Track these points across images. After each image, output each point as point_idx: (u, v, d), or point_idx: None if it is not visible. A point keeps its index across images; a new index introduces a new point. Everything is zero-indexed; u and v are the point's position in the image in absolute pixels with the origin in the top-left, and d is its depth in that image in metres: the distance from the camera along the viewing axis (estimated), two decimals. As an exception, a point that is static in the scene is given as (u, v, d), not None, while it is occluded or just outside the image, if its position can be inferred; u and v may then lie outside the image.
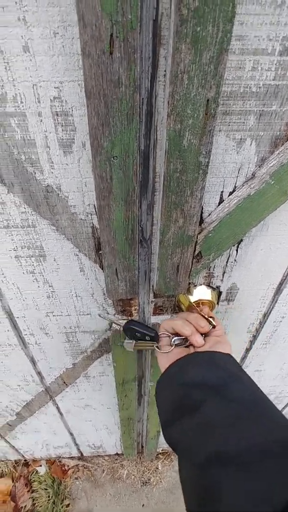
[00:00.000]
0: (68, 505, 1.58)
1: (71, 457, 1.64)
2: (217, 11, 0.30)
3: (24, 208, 0.48)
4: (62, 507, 1.56)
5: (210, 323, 0.54)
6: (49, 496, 1.56)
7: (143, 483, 1.68)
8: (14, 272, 0.58)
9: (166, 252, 0.52)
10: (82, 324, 0.71)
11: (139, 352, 0.82)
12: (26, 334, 0.73)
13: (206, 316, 0.55)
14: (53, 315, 0.68)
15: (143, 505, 1.63)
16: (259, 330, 0.81)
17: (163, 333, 0.56)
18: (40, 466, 1.65)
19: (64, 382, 0.93)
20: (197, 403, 0.41)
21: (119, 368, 0.80)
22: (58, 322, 0.70)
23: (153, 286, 0.62)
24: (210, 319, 0.55)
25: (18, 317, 0.68)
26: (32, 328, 0.71)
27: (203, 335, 0.53)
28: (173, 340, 0.55)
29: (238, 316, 0.75)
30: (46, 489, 1.58)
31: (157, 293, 0.63)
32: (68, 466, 1.69)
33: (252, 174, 0.49)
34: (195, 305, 0.61)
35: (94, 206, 0.48)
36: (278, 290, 0.69)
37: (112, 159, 0.40)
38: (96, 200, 0.44)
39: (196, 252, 0.54)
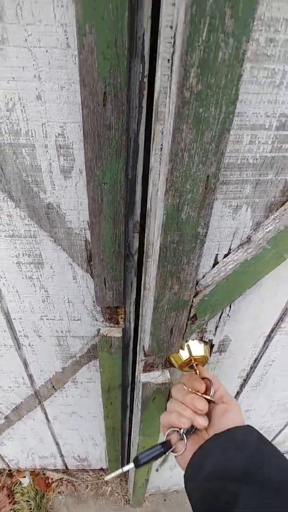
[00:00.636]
0: (49, 519, 1.57)
1: (56, 469, 1.64)
2: (220, 94, 0.32)
3: (28, 221, 0.56)
4: (43, 520, 1.55)
5: (208, 401, 0.51)
6: (30, 509, 1.56)
7: (126, 502, 1.67)
8: (14, 277, 0.65)
9: (160, 317, 0.53)
10: (73, 329, 0.78)
11: (124, 360, 0.88)
12: (21, 336, 0.80)
13: (201, 394, 0.52)
14: (47, 319, 0.75)
15: (125, 524, 1.62)
16: (249, 374, 0.84)
17: (168, 433, 0.53)
18: (24, 477, 1.65)
19: (53, 386, 0.98)
20: (230, 498, 0.39)
21: (105, 374, 0.86)
22: (51, 326, 0.77)
23: (143, 347, 0.63)
24: (206, 380, 0.53)
25: (15, 319, 0.75)
26: (27, 330, 0.78)
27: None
28: (181, 432, 0.52)
29: (230, 365, 0.78)
30: (28, 501, 1.58)
31: (148, 354, 0.62)
32: (52, 479, 1.68)
33: (247, 238, 0.51)
34: (188, 367, 0.60)
35: (87, 222, 0.57)
36: (269, 338, 0.73)
37: (103, 184, 0.48)
38: (89, 218, 0.52)
39: (191, 314, 0.54)
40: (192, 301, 0.52)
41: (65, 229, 0.58)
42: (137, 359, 0.69)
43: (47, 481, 1.67)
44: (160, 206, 0.42)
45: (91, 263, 0.63)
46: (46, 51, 0.40)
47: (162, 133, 0.40)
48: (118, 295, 0.66)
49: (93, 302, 0.71)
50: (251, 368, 0.82)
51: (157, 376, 0.71)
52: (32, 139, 0.47)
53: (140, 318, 0.68)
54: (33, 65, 0.41)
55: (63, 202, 0.54)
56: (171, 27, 0.34)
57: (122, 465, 1.58)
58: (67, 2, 0.37)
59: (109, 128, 0.43)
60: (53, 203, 0.54)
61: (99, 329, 0.76)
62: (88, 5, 0.34)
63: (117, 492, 1.69)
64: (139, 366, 0.68)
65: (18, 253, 0.61)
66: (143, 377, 0.70)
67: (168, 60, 0.36)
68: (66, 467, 1.59)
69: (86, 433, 1.26)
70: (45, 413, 1.13)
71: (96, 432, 1.25)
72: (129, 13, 0.36)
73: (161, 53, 0.36)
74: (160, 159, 0.41)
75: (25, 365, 0.90)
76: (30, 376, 0.94)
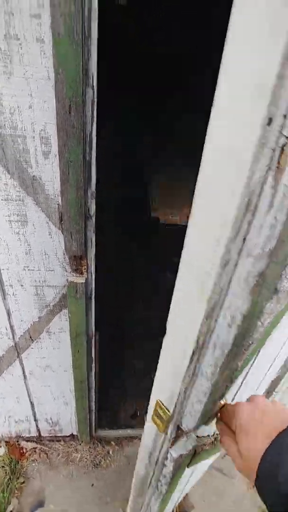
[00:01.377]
0: (23, 483, 1.73)
1: (30, 437, 1.81)
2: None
3: (18, 189, 0.83)
4: (17, 483, 1.71)
5: None
6: (5, 473, 1.71)
7: (94, 466, 1.86)
8: (5, 232, 0.91)
9: (213, 398, 0.54)
10: (48, 279, 1.04)
11: (88, 309, 1.14)
12: (6, 286, 1.04)
13: None
14: (28, 269, 1.00)
15: (92, 484, 1.80)
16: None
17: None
18: (0, 447, 1.81)
19: (31, 337, 1.22)
20: None
21: (73, 319, 1.11)
22: (31, 276, 1.02)
23: (179, 426, 0.62)
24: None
25: (3, 269, 1.00)
26: (12, 280, 1.03)
27: None
28: None
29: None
30: (3, 467, 1.73)
31: (186, 431, 0.63)
32: (26, 449, 1.85)
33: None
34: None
35: (59, 190, 0.85)
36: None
37: (69, 162, 0.77)
38: (60, 186, 0.80)
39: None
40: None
41: (44, 195, 0.85)
42: (163, 438, 0.66)
43: (21, 451, 1.83)
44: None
45: (62, 222, 0.90)
46: (36, 81, 0.69)
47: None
48: (80, 246, 0.93)
49: (64, 254, 0.98)
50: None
51: (186, 444, 0.66)
52: (25, 132, 0.75)
53: (180, 404, 0.59)
54: (28, 88, 0.70)
55: (43, 175, 0.82)
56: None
57: (91, 428, 1.79)
58: (49, 54, 0.66)
59: (72, 127, 0.72)
60: (37, 176, 0.82)
61: (67, 278, 1.02)
62: (60, 58, 0.64)
63: (85, 458, 1.88)
64: (165, 444, 0.66)
65: (10, 213, 0.88)
66: (174, 452, 0.66)
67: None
68: (39, 434, 1.77)
69: (58, 390, 1.48)
70: (23, 368, 1.34)
71: (67, 388, 1.47)
72: (83, 63, 0.66)
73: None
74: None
75: (8, 315, 1.13)
76: (12, 327, 1.17)
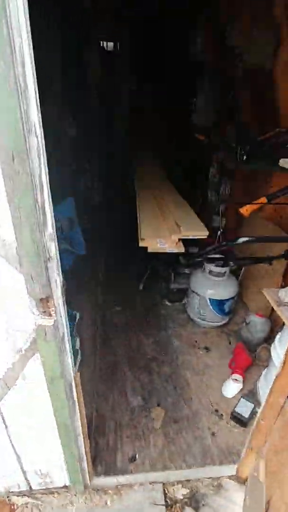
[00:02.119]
0: None
1: (20, 492, 1.69)
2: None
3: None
4: None
5: None
6: (-6, 534, 1.58)
7: (91, 521, 1.72)
8: None
9: None
10: (17, 323, 1.01)
11: (62, 351, 1.10)
12: (-25, 333, 1.01)
13: None
14: (-5, 315, 0.98)
15: None
16: None
17: None
18: (-11, 505, 1.69)
19: (6, 384, 1.17)
20: None
21: (46, 362, 1.07)
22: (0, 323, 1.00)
23: None
24: None
25: None
26: (-20, 327, 1.00)
27: None
28: None
29: None
30: (-8, 527, 1.61)
31: None
32: (17, 504, 1.72)
33: None
34: None
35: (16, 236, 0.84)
36: None
37: (20, 208, 0.77)
38: (14, 232, 0.80)
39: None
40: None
41: (1, 241, 0.84)
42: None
43: (12, 507, 1.71)
44: None
45: (21, 266, 0.89)
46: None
47: None
48: (44, 288, 0.91)
49: (28, 298, 0.95)
50: None
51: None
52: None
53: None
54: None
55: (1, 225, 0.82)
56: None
57: (84, 476, 1.67)
58: None
59: (17, 173, 0.73)
60: (-9, 223, 0.81)
61: (35, 322, 0.99)
62: None
63: (81, 511, 1.74)
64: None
65: None
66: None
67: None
68: (30, 487, 1.66)
69: (43, 438, 1.40)
70: (2, 417, 1.28)
71: (52, 435, 1.39)
72: (22, 113, 0.67)
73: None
74: None
75: (-19, 363, 1.09)
76: (-14, 375, 1.13)
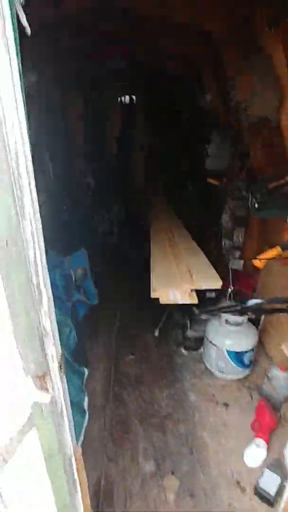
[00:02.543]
0: None
1: None
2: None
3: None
4: None
5: None
6: None
7: None
8: None
9: None
10: (14, 399, 0.97)
11: (59, 426, 1.04)
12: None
13: None
14: (-9, 390, 0.95)
15: None
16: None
17: None
18: None
19: (4, 459, 1.11)
20: None
21: (43, 438, 1.01)
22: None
23: None
24: None
25: None
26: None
27: None
28: None
29: None
30: None
31: None
32: None
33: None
34: None
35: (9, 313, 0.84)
36: None
37: (14, 288, 0.77)
38: (9, 312, 0.80)
39: None
40: None
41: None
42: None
43: None
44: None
45: (17, 344, 0.87)
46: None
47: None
48: (40, 365, 0.89)
49: (25, 374, 0.93)
50: None
51: None
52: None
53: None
54: None
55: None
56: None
57: None
58: None
59: (11, 257, 0.74)
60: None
61: (32, 398, 0.96)
62: None
63: None
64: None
65: None
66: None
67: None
68: None
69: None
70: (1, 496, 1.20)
71: (52, 515, 1.28)
72: (17, 201, 0.70)
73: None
74: None
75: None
76: (-17, 450, 1.08)
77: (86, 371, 2.21)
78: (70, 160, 5.98)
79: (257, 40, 2.29)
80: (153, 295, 2.02)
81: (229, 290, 1.82)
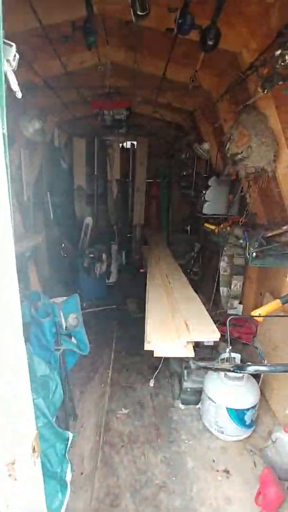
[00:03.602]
0: None
1: None
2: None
3: None
4: None
5: None
6: None
7: None
8: None
9: None
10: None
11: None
12: None
13: None
14: None
15: None
16: None
17: None
18: None
19: None
20: None
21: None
22: None
23: None
24: None
25: None
26: None
27: None
28: None
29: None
30: None
31: None
32: None
33: None
34: None
35: None
36: None
37: None
38: None
39: None
40: None
41: None
42: None
43: None
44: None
45: None
46: None
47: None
48: (8, 452, 0.76)
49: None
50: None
51: None
52: None
53: None
54: None
55: None
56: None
57: None
58: None
59: None
60: None
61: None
62: None
63: None
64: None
65: None
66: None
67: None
68: None
69: None
70: None
71: None
72: None
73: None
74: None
75: None
76: None
77: (70, 436, 2.00)
78: (70, 201, 6.11)
79: (251, 98, 2.42)
80: (147, 347, 1.90)
81: (227, 351, 1.69)
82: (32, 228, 4.23)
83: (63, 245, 5.96)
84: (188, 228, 6.31)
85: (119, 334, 4.12)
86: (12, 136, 3.39)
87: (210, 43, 1.70)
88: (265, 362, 2.78)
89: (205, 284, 4.87)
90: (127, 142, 6.25)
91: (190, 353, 1.90)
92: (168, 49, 2.59)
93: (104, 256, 4.95)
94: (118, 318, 4.56)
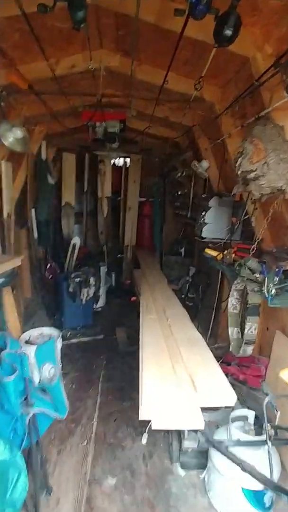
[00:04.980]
0: None
1: None
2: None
3: None
4: None
5: None
6: None
7: None
8: None
9: None
10: None
11: None
12: None
13: None
14: None
15: None
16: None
17: None
18: None
19: None
20: None
21: None
22: None
23: None
24: None
25: None
26: None
27: None
28: None
29: None
30: None
31: None
32: None
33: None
34: None
35: None
36: None
37: None
38: None
39: None
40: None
41: None
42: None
43: None
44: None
45: None
46: None
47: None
48: None
49: None
50: None
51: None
52: None
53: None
54: None
55: None
56: None
57: None
58: None
59: None
60: None
61: None
62: None
63: None
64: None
65: None
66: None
67: None
68: None
69: None
70: None
71: None
72: None
73: None
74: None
75: None
76: None
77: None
78: (57, 219, 5.68)
79: (265, 109, 2.10)
80: (143, 416, 1.44)
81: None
82: (12, 248, 3.76)
83: (48, 265, 5.48)
84: (183, 250, 5.94)
85: (106, 371, 3.61)
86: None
87: (228, 32, 1.35)
88: (278, 412, 2.33)
89: (202, 312, 4.44)
90: (120, 158, 5.94)
91: (200, 425, 1.44)
92: (168, 54, 2.28)
93: (92, 279, 4.48)
94: (106, 351, 4.06)
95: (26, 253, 4.63)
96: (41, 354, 1.74)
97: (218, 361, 2.02)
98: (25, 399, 1.62)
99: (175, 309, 2.72)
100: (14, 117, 3.06)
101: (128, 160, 5.92)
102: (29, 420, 1.65)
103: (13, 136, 2.75)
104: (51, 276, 5.22)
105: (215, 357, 2.00)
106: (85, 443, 2.53)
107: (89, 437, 2.60)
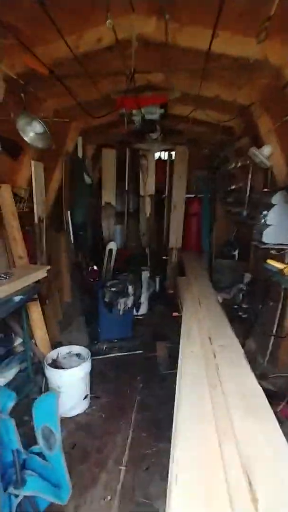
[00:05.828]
0: None
1: None
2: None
3: None
4: None
5: None
6: None
7: None
8: None
9: None
10: None
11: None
12: None
13: None
14: None
15: None
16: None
17: None
18: None
19: None
20: None
21: None
22: None
23: None
24: None
25: None
26: None
27: None
28: None
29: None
30: None
31: None
32: None
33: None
34: None
35: None
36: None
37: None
38: None
39: None
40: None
41: None
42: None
43: None
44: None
45: None
46: None
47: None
48: None
49: None
50: None
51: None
52: None
53: None
54: None
55: None
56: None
57: None
58: None
59: None
60: None
61: None
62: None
63: None
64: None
65: None
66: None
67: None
68: None
69: None
70: None
71: None
72: None
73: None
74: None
75: None
76: None
77: None
78: (96, 221, 5.36)
79: None
80: None
81: None
82: (44, 257, 3.47)
83: (90, 268, 5.20)
84: (236, 253, 5.18)
85: (142, 397, 3.12)
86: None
87: None
88: None
89: (258, 329, 3.72)
90: (162, 151, 5.38)
91: None
92: (216, 7, 1.66)
93: (130, 288, 4.03)
94: (144, 370, 3.57)
95: (65, 257, 4.37)
96: (40, 411, 1.30)
97: (279, 399, 1.40)
98: (16, 477, 1.20)
99: (225, 339, 2.11)
100: (37, 110, 2.70)
101: (173, 153, 5.33)
102: (21, 502, 1.22)
103: (32, 131, 2.37)
104: (92, 279, 4.93)
105: (274, 391, 1.37)
106: (108, 498, 2.07)
107: (114, 489, 2.14)
